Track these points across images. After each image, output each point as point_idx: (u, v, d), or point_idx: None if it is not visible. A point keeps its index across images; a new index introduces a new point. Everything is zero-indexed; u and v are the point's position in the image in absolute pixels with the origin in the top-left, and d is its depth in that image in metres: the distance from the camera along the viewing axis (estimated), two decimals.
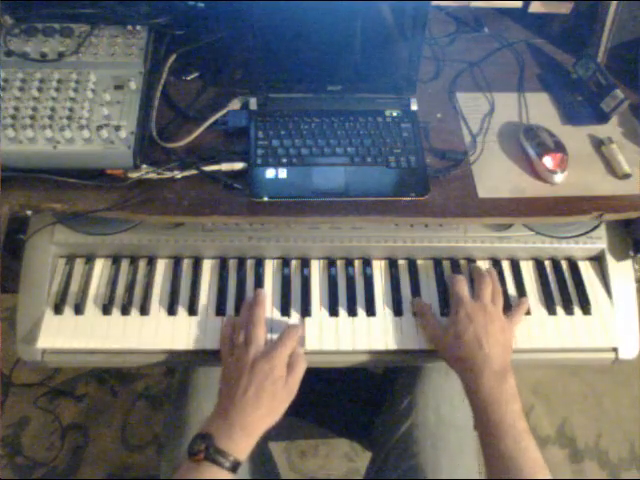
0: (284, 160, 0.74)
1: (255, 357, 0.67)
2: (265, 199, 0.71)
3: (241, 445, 0.63)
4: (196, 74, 0.83)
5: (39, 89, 0.72)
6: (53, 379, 1.40)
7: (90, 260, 0.79)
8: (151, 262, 0.79)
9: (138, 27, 0.79)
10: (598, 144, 0.79)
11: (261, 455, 0.84)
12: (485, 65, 0.88)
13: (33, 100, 0.71)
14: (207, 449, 0.61)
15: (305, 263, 0.80)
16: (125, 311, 0.75)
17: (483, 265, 0.81)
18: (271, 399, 0.65)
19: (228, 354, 0.71)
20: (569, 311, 0.78)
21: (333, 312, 0.76)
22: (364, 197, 0.72)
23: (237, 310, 0.76)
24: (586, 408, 1.44)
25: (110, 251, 0.79)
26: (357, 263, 0.81)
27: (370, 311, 0.77)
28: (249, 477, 0.78)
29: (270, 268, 0.80)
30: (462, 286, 0.75)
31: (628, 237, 0.81)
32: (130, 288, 0.77)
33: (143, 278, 0.78)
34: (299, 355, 0.70)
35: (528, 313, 0.78)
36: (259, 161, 0.73)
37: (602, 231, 0.81)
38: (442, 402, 0.82)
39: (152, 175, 0.71)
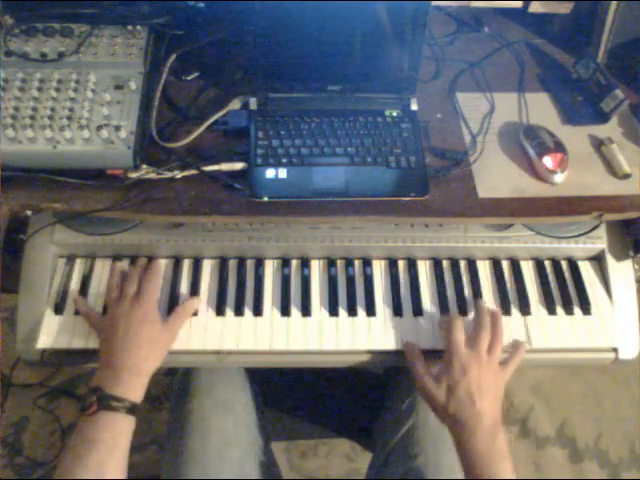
0: (284, 160, 0.74)
1: (132, 306, 0.69)
2: (265, 199, 0.71)
3: (132, 387, 0.64)
4: (196, 74, 0.83)
5: (39, 89, 0.72)
6: (53, 379, 1.40)
7: (90, 260, 0.79)
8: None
9: (138, 27, 0.79)
10: (598, 144, 0.79)
11: (266, 456, 0.84)
12: (485, 65, 0.88)
13: (33, 100, 0.71)
14: (99, 400, 0.61)
15: (305, 263, 0.80)
16: None
17: (483, 265, 0.81)
18: (151, 340, 0.68)
19: (114, 305, 0.71)
20: (569, 311, 0.78)
21: (333, 312, 0.76)
22: (364, 197, 0.72)
23: (237, 310, 0.76)
24: (586, 408, 1.43)
25: (110, 251, 0.79)
26: (357, 263, 0.81)
27: (370, 311, 0.77)
28: (255, 478, 0.78)
29: (270, 268, 0.80)
30: (459, 333, 0.70)
31: (628, 237, 0.81)
32: None
33: None
34: (181, 305, 0.74)
35: (528, 313, 0.78)
36: (259, 161, 0.73)
37: (602, 231, 0.81)
38: None
39: (152, 175, 0.71)
